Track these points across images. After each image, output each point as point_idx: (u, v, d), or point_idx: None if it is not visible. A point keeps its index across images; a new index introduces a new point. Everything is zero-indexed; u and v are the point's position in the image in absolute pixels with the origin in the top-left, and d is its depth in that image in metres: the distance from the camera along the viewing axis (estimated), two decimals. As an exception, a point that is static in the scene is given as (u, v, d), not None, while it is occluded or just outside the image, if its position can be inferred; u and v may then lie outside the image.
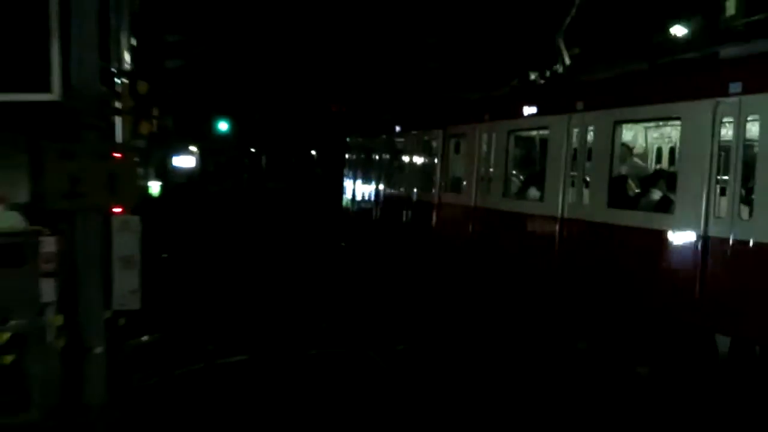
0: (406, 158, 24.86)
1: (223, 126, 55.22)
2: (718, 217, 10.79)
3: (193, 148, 54.21)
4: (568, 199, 14.09)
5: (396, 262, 24.72)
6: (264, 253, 29.37)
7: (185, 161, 52.57)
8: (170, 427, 10.08)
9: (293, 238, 33.80)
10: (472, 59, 35.07)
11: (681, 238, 11.56)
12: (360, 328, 17.11)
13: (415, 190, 23.00)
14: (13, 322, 8.53)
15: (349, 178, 33.60)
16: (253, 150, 65.88)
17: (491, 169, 17.19)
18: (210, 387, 12.08)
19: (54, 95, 8.10)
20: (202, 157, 57.78)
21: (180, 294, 18.14)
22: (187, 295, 18.84)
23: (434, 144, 21.27)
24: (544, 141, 16.52)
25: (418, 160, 23.04)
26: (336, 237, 33.00)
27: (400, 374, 13.69)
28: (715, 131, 11.36)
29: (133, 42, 16.65)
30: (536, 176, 15.86)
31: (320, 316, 18.51)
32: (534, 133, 16.99)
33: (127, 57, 15.10)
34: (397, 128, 26.63)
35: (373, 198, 28.78)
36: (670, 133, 14.80)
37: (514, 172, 17.01)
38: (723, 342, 11.32)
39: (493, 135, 17.12)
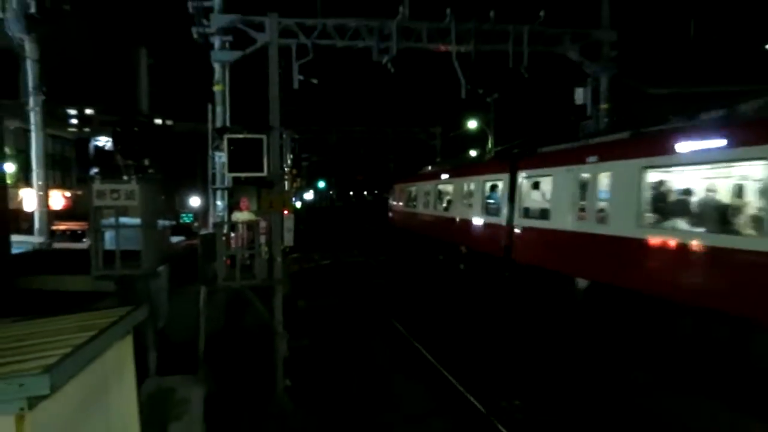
0: (455, 195, 16.52)
1: (321, 183, 75.01)
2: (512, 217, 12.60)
3: (310, 191, 74.71)
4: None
5: (424, 249, 17.88)
6: (335, 227, 33.89)
7: (308, 195, 59.90)
8: (301, 284, 11.53)
9: (346, 222, 39.21)
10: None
11: (501, 225, 12.63)
12: (369, 254, 18.69)
13: (474, 214, 14.32)
14: (253, 250, 8.29)
15: (395, 205, 26.82)
16: (331, 192, 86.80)
17: (601, 202, 9.28)
18: (316, 272, 13.80)
19: (265, 174, 7.99)
20: (314, 194, 76.95)
21: (306, 240, 19.54)
22: (308, 240, 20.27)
23: (500, 185, 13.38)
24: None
25: (475, 196, 14.66)
26: (370, 227, 33.35)
27: (379, 267, 15.58)
28: (508, 184, 12.49)
29: (291, 156, 18.17)
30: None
31: (354, 249, 23.22)
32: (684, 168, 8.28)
33: (288, 161, 16.12)
34: (443, 176, 17.90)
35: (412, 215, 21.57)
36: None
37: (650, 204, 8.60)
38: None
39: (609, 172, 9.02)
